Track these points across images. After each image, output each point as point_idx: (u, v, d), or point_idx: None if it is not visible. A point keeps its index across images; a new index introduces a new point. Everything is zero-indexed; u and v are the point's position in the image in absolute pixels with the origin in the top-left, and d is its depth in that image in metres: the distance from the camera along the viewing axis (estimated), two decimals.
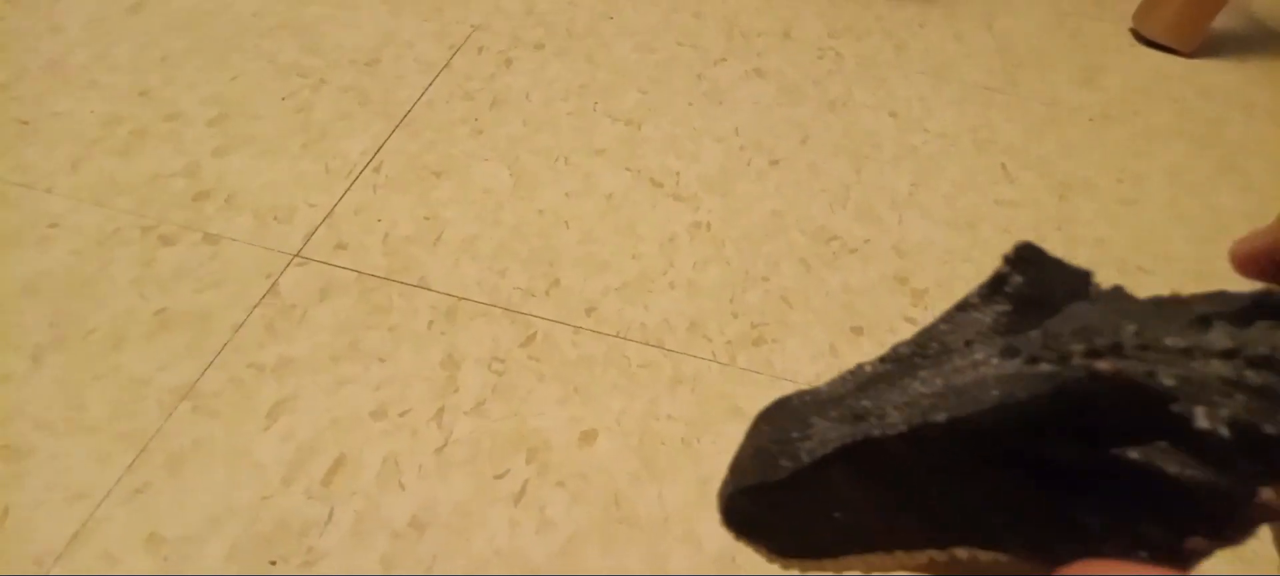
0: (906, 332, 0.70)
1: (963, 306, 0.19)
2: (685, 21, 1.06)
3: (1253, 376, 0.15)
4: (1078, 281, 0.18)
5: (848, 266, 0.76)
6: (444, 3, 1.00)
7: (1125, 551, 0.16)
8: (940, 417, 0.16)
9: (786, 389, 0.61)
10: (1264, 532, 0.19)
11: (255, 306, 0.62)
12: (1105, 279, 0.17)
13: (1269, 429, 0.15)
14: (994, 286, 0.18)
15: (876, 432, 0.17)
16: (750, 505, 0.19)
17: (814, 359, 0.66)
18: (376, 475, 0.54)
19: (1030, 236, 0.83)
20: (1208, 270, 0.83)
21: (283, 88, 0.82)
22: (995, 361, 0.16)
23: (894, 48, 1.10)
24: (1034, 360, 0.16)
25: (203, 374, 0.58)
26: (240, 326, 0.61)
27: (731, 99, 0.94)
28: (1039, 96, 1.06)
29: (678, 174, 0.82)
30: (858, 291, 0.73)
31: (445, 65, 0.90)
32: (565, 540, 0.53)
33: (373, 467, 0.55)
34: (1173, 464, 0.15)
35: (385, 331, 0.63)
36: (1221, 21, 1.35)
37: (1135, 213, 0.90)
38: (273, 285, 0.64)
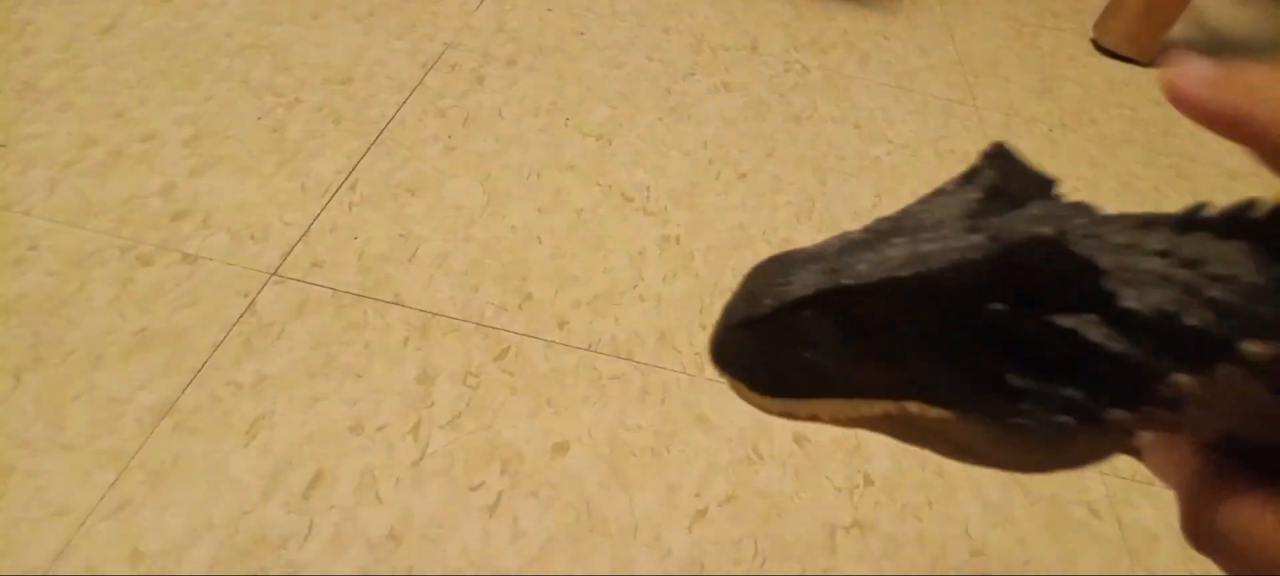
0: None
1: (939, 192, 0.21)
2: (654, 36, 1.08)
3: (1182, 274, 0.17)
4: (1044, 185, 0.20)
5: None
6: (416, 20, 1.01)
7: (1050, 412, 0.18)
8: (905, 273, 0.18)
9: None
10: None
11: (233, 325, 0.64)
12: None
13: (1190, 320, 0.16)
14: (968, 177, 0.20)
15: (849, 282, 0.19)
16: (734, 341, 0.21)
17: None
18: (354, 488, 0.56)
19: None
20: None
21: (257, 107, 0.84)
22: (960, 237, 0.18)
23: (858, 60, 1.13)
24: (994, 238, 0.18)
25: (183, 392, 0.59)
26: (219, 344, 0.62)
27: (699, 113, 0.96)
28: (998, 106, 1.09)
29: (647, 188, 0.84)
30: None
31: (418, 83, 0.91)
32: (537, 549, 0.55)
33: (350, 481, 0.56)
34: (1098, 333, 0.17)
35: (361, 347, 0.64)
36: (1178, 30, 1.39)
37: None
38: (250, 303, 0.65)
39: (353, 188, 0.77)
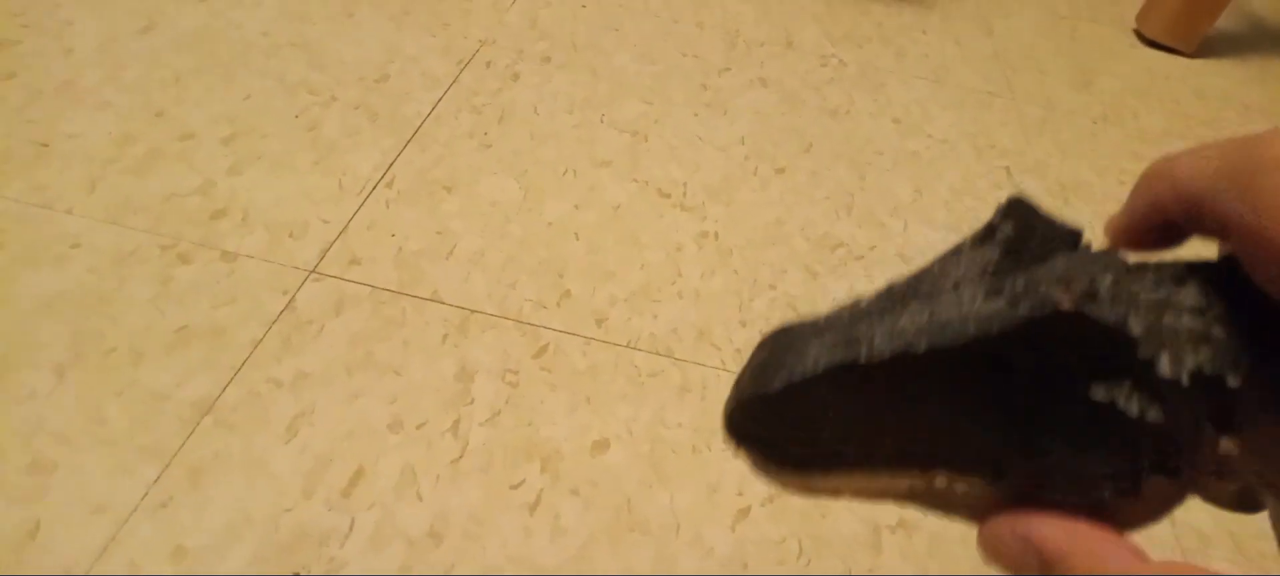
0: None
1: (956, 251, 0.20)
2: (688, 32, 1.08)
3: (1219, 332, 0.16)
4: (1069, 237, 0.19)
5: (853, 273, 0.77)
6: (449, 17, 1.01)
7: (1087, 483, 0.17)
8: (921, 347, 0.17)
9: None
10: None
11: (273, 322, 0.64)
12: None
13: (1232, 381, 0.16)
14: (985, 234, 0.19)
15: (862, 358, 0.18)
16: (746, 417, 0.20)
17: None
18: (394, 486, 0.56)
19: None
20: None
21: (293, 105, 0.84)
22: (979, 301, 0.17)
23: (894, 54, 1.11)
24: (1015, 302, 0.17)
25: (223, 389, 0.59)
26: (259, 342, 0.62)
27: (735, 108, 0.95)
28: (1036, 100, 1.07)
29: (684, 184, 0.83)
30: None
31: (454, 80, 0.91)
32: (578, 547, 0.55)
33: (390, 478, 0.56)
34: (1134, 405, 0.16)
35: (399, 344, 0.64)
36: (1222, 22, 1.36)
37: None
38: (290, 301, 0.65)
39: (389, 185, 0.77)
